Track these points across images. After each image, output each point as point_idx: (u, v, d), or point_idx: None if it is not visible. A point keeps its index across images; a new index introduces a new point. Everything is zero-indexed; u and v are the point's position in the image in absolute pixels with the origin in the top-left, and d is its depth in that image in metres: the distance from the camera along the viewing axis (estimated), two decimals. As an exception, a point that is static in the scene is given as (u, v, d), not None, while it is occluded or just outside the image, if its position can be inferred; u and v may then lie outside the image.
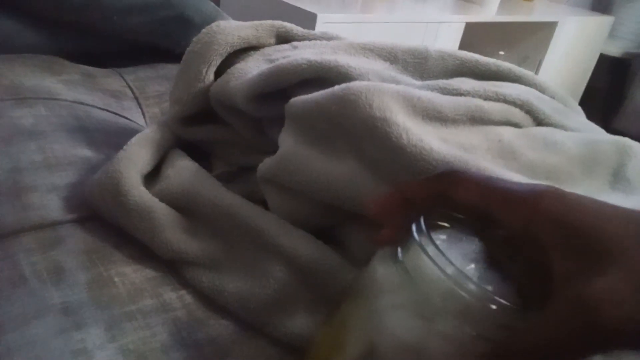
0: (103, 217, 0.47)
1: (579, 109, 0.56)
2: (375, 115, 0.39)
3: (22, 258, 0.42)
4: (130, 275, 0.42)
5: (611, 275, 0.23)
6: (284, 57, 0.51)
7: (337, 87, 0.42)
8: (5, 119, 0.57)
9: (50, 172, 0.51)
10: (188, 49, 0.54)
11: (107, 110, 0.67)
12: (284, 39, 0.58)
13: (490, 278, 0.27)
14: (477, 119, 0.44)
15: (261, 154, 0.48)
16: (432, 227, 0.29)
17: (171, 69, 0.82)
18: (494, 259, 0.28)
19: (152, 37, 0.84)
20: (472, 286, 0.26)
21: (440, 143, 0.39)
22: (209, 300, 0.42)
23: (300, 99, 0.44)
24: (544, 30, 2.08)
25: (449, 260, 0.26)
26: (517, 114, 0.46)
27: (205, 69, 0.53)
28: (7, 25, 0.75)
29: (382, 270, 0.29)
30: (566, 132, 0.47)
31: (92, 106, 0.66)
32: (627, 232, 0.24)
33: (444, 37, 1.69)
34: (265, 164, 0.45)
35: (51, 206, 0.47)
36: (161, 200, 0.46)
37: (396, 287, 0.28)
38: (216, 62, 0.53)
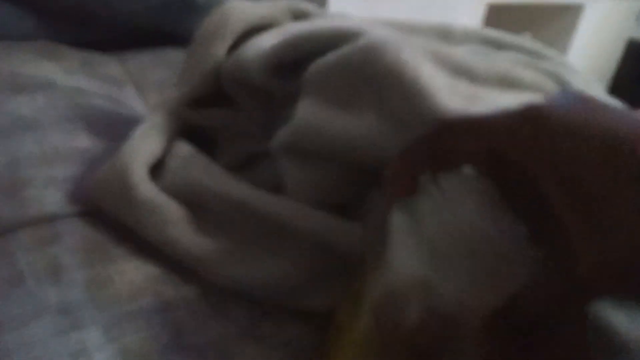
0: (105, 213, 0.45)
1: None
2: (404, 61, 0.37)
3: (20, 256, 0.41)
4: (130, 273, 0.41)
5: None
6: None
7: (361, 40, 0.40)
8: (1, 109, 0.56)
9: (48, 164, 0.49)
10: (200, 28, 0.52)
11: (107, 98, 0.66)
12: (299, 20, 0.56)
13: (503, 220, 0.27)
14: (508, 83, 0.42)
15: (269, 140, 0.47)
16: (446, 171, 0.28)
17: (173, 54, 0.81)
18: (508, 201, 0.27)
19: (153, 21, 0.82)
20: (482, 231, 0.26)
21: (466, 100, 0.38)
22: (213, 298, 0.40)
23: (321, 59, 0.43)
24: (569, 14, 2.02)
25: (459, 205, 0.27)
26: (549, 84, 0.45)
27: (219, 46, 0.51)
28: (5, 12, 0.74)
29: (397, 220, 0.29)
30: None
31: (92, 94, 0.65)
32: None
33: (463, 19, 1.65)
34: (283, 132, 0.43)
35: (49, 200, 0.46)
36: (167, 194, 0.44)
37: (408, 232, 0.28)
38: (230, 39, 0.51)
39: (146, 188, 0.44)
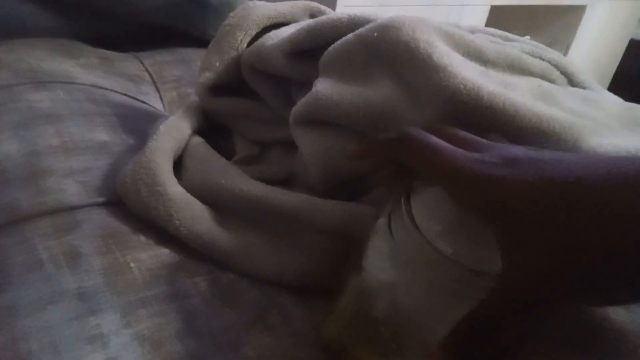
0: (129, 206, 0.46)
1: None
2: (418, 37, 0.39)
3: (38, 242, 0.42)
4: (146, 261, 0.42)
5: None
6: None
7: (379, 20, 0.41)
8: (22, 102, 0.57)
9: (67, 156, 0.50)
10: (224, 22, 0.54)
11: (125, 95, 0.67)
12: None
13: (466, 234, 0.28)
14: (517, 68, 0.43)
15: (286, 128, 0.49)
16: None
17: (189, 53, 0.82)
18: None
19: (169, 20, 0.83)
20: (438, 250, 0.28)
21: (479, 76, 0.39)
22: (225, 288, 0.41)
23: (338, 41, 0.44)
24: (572, 14, 2.02)
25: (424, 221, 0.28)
26: (554, 72, 0.46)
27: (241, 36, 0.53)
28: (24, 8, 0.75)
29: (378, 224, 0.32)
30: (603, 94, 0.47)
31: (110, 90, 0.66)
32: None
33: (468, 20, 1.66)
34: (300, 104, 0.45)
35: (68, 191, 0.47)
36: (189, 192, 0.46)
37: (383, 233, 0.31)
38: (252, 31, 0.53)
39: (174, 185, 0.45)
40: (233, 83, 0.55)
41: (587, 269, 0.23)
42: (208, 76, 0.54)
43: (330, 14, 0.49)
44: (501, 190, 0.25)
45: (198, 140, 0.52)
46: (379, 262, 0.32)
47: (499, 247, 0.26)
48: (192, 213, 0.44)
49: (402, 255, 0.30)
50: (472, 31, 0.51)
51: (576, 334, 0.35)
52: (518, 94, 0.39)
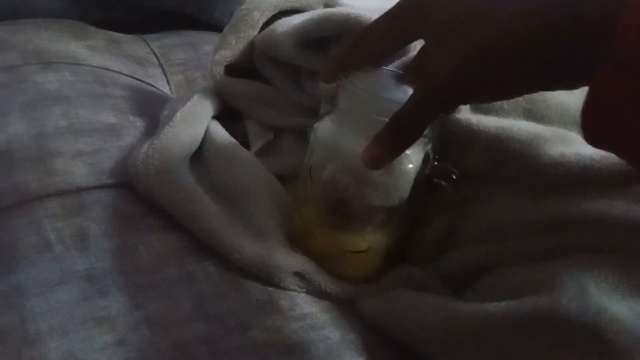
0: (140, 192, 0.46)
1: None
2: None
3: (46, 223, 0.42)
4: (154, 244, 0.42)
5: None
6: None
7: None
8: (30, 83, 0.57)
9: (75, 137, 0.50)
10: (241, 7, 0.55)
11: (132, 77, 0.66)
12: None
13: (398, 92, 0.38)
14: None
15: (297, 116, 0.50)
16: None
17: (196, 37, 0.81)
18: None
19: (176, 4, 0.83)
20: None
21: None
22: (233, 273, 0.41)
23: None
24: None
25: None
26: None
27: (258, 16, 0.53)
28: (33, -11, 0.74)
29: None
30: None
31: (117, 72, 0.66)
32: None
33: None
34: None
35: (76, 172, 0.47)
36: (203, 185, 0.45)
37: (329, 112, 0.40)
38: (269, 12, 0.54)
39: (185, 176, 0.45)
40: (247, 65, 0.55)
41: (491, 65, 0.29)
42: (224, 54, 0.54)
43: (341, 7, 0.49)
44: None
45: (219, 131, 0.51)
46: (325, 132, 0.39)
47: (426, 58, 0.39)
48: (201, 208, 0.43)
49: (344, 115, 0.38)
50: None
51: None
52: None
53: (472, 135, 0.39)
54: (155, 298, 0.38)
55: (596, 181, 0.35)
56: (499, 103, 0.41)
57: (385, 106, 0.35)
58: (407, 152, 0.36)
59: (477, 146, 0.40)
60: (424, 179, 0.39)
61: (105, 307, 0.37)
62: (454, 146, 0.41)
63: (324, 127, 0.40)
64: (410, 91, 0.37)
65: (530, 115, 0.41)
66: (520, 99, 0.41)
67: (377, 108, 0.35)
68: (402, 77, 0.39)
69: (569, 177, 0.36)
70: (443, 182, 0.40)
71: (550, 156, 0.37)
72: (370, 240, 0.41)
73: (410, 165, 0.38)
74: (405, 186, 0.38)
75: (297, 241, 0.43)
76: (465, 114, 0.40)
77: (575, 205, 0.35)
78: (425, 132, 0.34)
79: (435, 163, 0.40)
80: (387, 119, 0.34)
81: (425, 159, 0.38)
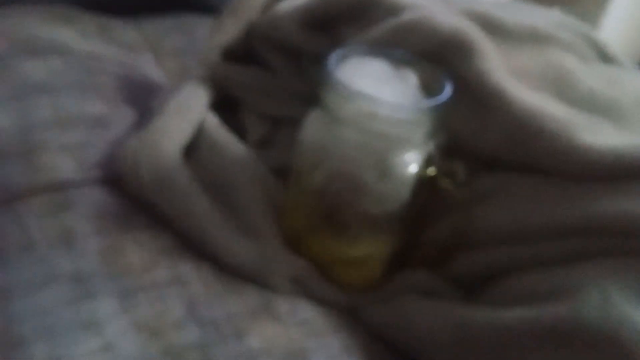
0: (128, 185, 0.44)
1: None
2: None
3: (31, 222, 0.40)
4: (145, 243, 0.40)
5: None
6: None
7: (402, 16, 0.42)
8: (16, 72, 0.55)
9: (61, 130, 0.48)
10: None
11: (124, 64, 0.64)
12: None
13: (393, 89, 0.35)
14: (541, 39, 0.43)
15: (297, 105, 0.47)
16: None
17: (190, 22, 0.79)
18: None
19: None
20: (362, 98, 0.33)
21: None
22: (228, 275, 0.39)
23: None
24: None
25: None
26: (581, 45, 0.45)
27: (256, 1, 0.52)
28: (20, -26, 0.72)
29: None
30: (633, 74, 0.46)
31: (108, 59, 0.63)
32: None
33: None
34: None
35: (62, 167, 0.45)
36: (197, 178, 0.43)
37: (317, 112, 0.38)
38: None
39: (177, 172, 0.42)
40: (244, 52, 0.53)
41: None
42: (221, 37, 0.52)
43: None
44: None
45: (214, 122, 0.49)
46: (315, 134, 0.37)
47: None
48: (192, 206, 0.41)
49: (334, 115, 0.36)
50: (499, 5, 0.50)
51: None
52: (525, 82, 0.39)
53: (501, 104, 0.37)
54: (146, 301, 0.36)
55: (628, 172, 0.34)
56: (534, 76, 0.40)
57: (379, 107, 0.33)
58: (406, 154, 0.34)
59: (504, 118, 0.37)
60: (427, 180, 0.36)
61: (92, 309, 0.36)
62: (474, 118, 0.38)
63: (312, 128, 0.37)
64: (410, 77, 0.35)
65: (561, 96, 0.40)
66: (549, 80, 0.40)
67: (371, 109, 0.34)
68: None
69: (600, 164, 0.34)
70: (449, 184, 0.37)
71: (584, 141, 0.35)
72: (368, 248, 0.39)
73: (410, 169, 0.35)
74: (404, 191, 0.36)
75: (292, 242, 0.41)
76: (496, 75, 0.38)
77: (601, 204, 0.34)
78: (426, 128, 0.32)
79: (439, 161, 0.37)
80: (381, 122, 0.32)
81: (428, 160, 0.36)
